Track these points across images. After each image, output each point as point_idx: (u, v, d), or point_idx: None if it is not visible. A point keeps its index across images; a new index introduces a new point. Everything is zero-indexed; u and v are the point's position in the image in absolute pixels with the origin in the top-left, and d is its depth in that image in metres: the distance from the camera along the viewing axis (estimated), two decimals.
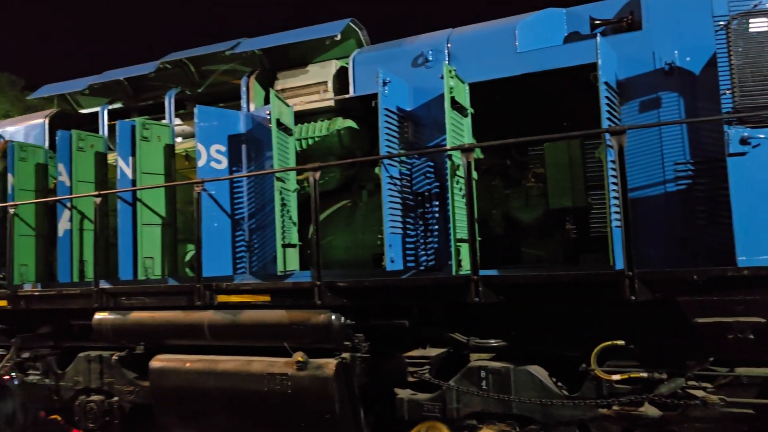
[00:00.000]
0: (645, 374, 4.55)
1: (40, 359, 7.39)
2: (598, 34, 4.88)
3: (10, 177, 7.32)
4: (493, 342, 5.23)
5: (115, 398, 6.79)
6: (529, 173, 5.89)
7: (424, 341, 5.61)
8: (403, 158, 5.51)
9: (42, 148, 7.78)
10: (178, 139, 7.23)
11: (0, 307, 7.29)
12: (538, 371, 4.94)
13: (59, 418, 5.60)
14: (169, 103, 7.19)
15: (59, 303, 7.02)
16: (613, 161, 4.39)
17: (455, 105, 5.23)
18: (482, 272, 4.82)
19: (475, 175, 5.02)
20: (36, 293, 7.19)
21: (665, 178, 4.78)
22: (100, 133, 7.57)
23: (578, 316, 4.93)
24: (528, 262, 5.77)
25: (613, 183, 4.41)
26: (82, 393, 7.00)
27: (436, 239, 5.47)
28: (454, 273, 4.98)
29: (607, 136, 4.42)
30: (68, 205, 7.00)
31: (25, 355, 7.35)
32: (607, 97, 4.60)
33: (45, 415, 3.03)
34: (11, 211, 7.09)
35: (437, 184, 5.52)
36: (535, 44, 5.36)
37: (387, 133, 5.38)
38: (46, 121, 8.03)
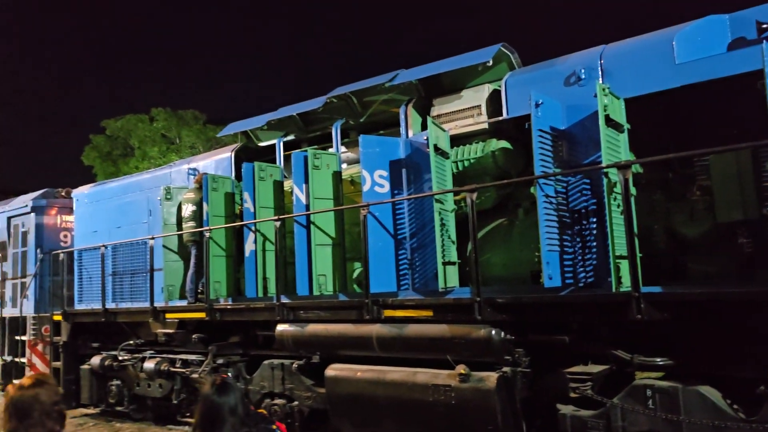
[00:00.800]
0: None
1: (232, 365, 8.32)
2: (765, 40, 4.64)
3: (205, 205, 8.31)
4: (659, 360, 5.10)
5: (295, 402, 7.42)
6: (693, 186, 5.64)
7: (586, 357, 5.61)
8: (559, 176, 5.56)
9: (229, 178, 8.71)
10: (344, 166, 7.75)
11: (199, 318, 8.37)
12: (709, 392, 4.71)
13: (264, 411, 6.44)
14: (336, 133, 7.79)
15: (247, 315, 7.88)
16: None
17: (610, 122, 5.16)
18: (644, 289, 4.74)
19: (633, 190, 4.93)
20: (228, 307, 8.07)
21: None
22: (277, 163, 8.38)
23: (753, 335, 4.67)
24: (696, 278, 5.53)
25: None
26: (267, 396, 7.74)
27: (594, 256, 5.39)
28: (614, 290, 4.92)
29: None
30: (253, 228, 7.78)
31: (220, 361, 8.28)
32: None
33: (254, 408, 3.59)
34: (207, 234, 8.06)
35: (594, 200, 5.45)
36: (695, 54, 5.17)
37: (541, 153, 5.47)
38: (232, 155, 9.03)
